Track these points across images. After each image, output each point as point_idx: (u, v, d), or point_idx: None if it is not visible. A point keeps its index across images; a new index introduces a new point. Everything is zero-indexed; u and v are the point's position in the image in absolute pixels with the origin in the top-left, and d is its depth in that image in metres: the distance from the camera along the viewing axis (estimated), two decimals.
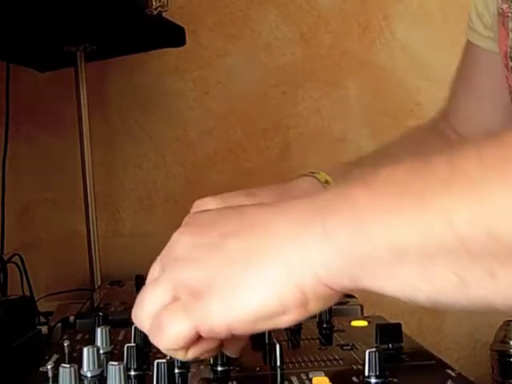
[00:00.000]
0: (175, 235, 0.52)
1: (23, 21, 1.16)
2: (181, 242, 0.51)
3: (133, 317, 0.52)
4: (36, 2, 1.13)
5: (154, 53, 1.59)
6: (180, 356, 0.51)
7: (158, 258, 0.53)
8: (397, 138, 0.89)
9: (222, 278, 0.47)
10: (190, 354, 0.50)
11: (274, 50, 1.71)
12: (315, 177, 0.76)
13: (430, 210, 0.40)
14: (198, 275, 0.48)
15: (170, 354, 0.51)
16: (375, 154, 0.84)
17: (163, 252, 0.53)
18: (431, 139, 0.89)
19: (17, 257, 1.28)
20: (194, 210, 0.66)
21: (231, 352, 0.56)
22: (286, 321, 0.47)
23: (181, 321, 0.48)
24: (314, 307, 0.47)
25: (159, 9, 1.24)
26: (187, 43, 1.44)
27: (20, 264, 1.29)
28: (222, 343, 0.52)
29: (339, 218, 0.44)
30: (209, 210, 0.56)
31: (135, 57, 1.59)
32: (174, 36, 1.41)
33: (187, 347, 0.49)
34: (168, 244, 0.53)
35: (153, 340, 0.50)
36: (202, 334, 0.48)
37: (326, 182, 0.75)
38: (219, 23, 1.70)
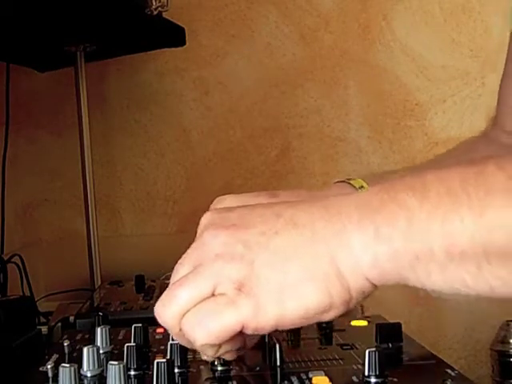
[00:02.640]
0: (211, 231, 0.52)
1: (23, 21, 1.16)
2: (219, 238, 0.51)
3: (159, 313, 0.51)
4: (36, 2, 1.13)
5: (154, 53, 1.59)
6: (211, 353, 0.51)
7: (186, 257, 0.52)
8: (449, 148, 0.87)
9: (272, 274, 0.48)
10: (221, 352, 0.51)
11: (274, 50, 1.71)
12: (350, 183, 0.75)
13: (489, 219, 0.43)
14: (245, 271, 0.48)
15: (201, 349, 0.51)
16: (419, 166, 0.83)
17: (194, 250, 0.52)
18: (478, 145, 0.87)
19: (17, 257, 1.28)
20: (214, 206, 0.66)
21: (231, 356, 0.56)
22: (329, 316, 0.49)
23: (228, 315, 0.48)
24: (355, 302, 0.49)
25: (159, 9, 1.24)
26: (187, 43, 1.44)
27: (20, 264, 1.29)
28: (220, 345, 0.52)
29: (393, 223, 0.46)
30: (237, 207, 0.55)
31: (135, 57, 1.59)
32: (174, 36, 1.41)
33: (220, 344, 0.50)
34: (199, 241, 0.52)
35: (190, 333, 0.49)
36: (247, 331, 0.48)
37: (362, 187, 0.74)
38: (219, 23, 1.70)
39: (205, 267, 0.50)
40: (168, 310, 0.50)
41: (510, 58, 0.88)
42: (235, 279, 0.48)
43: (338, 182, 0.76)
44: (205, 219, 0.54)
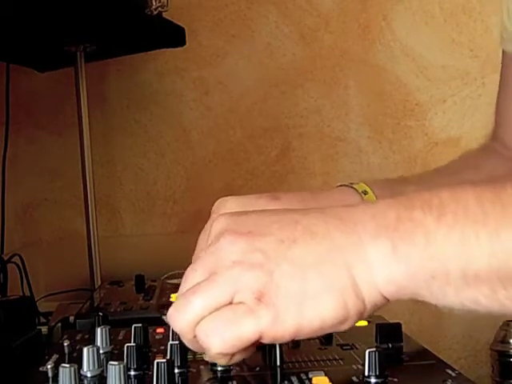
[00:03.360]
0: (228, 238, 0.50)
1: (23, 21, 1.16)
2: (237, 245, 0.50)
3: (173, 319, 0.50)
4: (36, 2, 1.13)
5: (154, 53, 1.59)
6: (224, 361, 0.50)
7: (200, 263, 0.51)
8: (451, 160, 0.86)
9: (292, 284, 0.48)
10: (233, 360, 0.50)
11: (274, 50, 1.71)
12: (353, 187, 0.75)
13: (505, 240, 0.44)
14: (264, 280, 0.48)
15: (215, 358, 0.50)
16: (421, 176, 0.83)
17: (209, 256, 0.51)
18: (483, 160, 0.87)
19: (17, 257, 1.28)
20: (217, 208, 0.66)
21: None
22: (345, 327, 0.49)
23: (246, 324, 0.47)
24: (367, 315, 0.50)
25: (159, 9, 1.24)
26: (187, 43, 1.44)
27: (20, 264, 1.29)
28: None
29: (410, 242, 0.47)
30: (251, 212, 0.54)
31: (135, 57, 1.59)
32: (174, 36, 1.41)
33: (235, 353, 0.49)
34: (215, 247, 0.51)
35: (205, 341, 0.48)
36: (265, 340, 0.48)
37: (364, 192, 0.74)
38: (219, 23, 1.70)
39: (222, 275, 0.49)
40: (182, 317, 0.49)
41: (505, 76, 0.89)
42: (255, 288, 0.48)
43: (340, 185, 0.76)
44: (219, 224, 0.53)
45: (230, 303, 0.48)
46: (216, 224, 0.53)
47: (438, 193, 0.48)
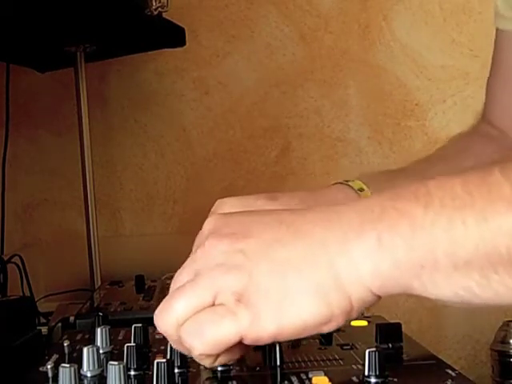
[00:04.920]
0: (211, 241, 0.51)
1: (23, 21, 1.16)
2: (219, 247, 0.50)
3: (157, 320, 0.51)
4: (36, 2, 1.13)
5: (154, 53, 1.59)
6: (208, 362, 0.50)
7: (187, 265, 0.52)
8: (436, 150, 0.86)
9: (271, 284, 0.48)
10: (218, 362, 0.50)
11: (274, 50, 1.71)
12: (348, 184, 0.75)
13: (493, 225, 0.43)
14: (243, 281, 0.48)
15: (199, 359, 0.50)
16: (414, 166, 0.82)
17: (196, 258, 0.52)
18: (472, 143, 0.87)
19: (17, 257, 1.28)
20: (215, 209, 0.66)
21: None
22: (329, 328, 0.48)
23: (227, 325, 0.47)
24: (356, 313, 0.48)
25: (159, 9, 1.24)
26: (187, 43, 1.44)
27: (20, 264, 1.29)
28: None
29: (396, 231, 0.45)
30: (239, 213, 0.55)
31: (135, 57, 1.59)
32: (173, 36, 1.41)
33: (218, 354, 0.49)
34: (201, 249, 0.51)
35: (188, 341, 0.49)
36: (246, 341, 0.48)
37: (360, 189, 0.74)
38: (219, 23, 1.70)
39: (204, 277, 0.49)
40: (166, 318, 0.50)
41: (497, 55, 0.89)
42: (235, 289, 0.48)
43: (336, 183, 0.76)
44: (207, 225, 0.53)
45: (213, 305, 0.48)
46: (205, 225, 0.54)
47: (425, 182, 0.47)
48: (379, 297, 0.48)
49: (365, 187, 0.74)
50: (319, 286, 0.47)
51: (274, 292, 0.47)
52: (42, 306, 1.29)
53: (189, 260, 0.52)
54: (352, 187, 0.74)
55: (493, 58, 0.90)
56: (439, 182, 0.46)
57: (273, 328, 0.47)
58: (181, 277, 0.52)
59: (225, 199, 0.67)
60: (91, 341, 0.69)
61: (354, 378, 0.55)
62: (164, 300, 0.51)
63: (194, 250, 0.64)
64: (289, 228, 0.50)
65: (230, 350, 0.49)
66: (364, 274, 0.46)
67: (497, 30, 0.88)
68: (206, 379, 0.57)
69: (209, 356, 0.49)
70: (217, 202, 0.67)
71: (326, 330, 0.48)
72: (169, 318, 0.50)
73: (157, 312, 0.51)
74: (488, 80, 0.91)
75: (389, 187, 0.75)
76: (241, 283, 0.48)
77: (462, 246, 0.44)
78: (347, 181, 0.75)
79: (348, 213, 0.49)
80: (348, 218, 0.48)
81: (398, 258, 0.45)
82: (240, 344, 0.49)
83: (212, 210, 0.67)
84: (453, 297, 0.46)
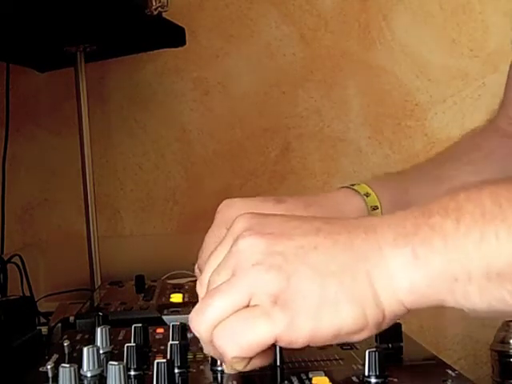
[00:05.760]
0: (247, 239, 0.50)
1: (23, 21, 1.16)
2: (256, 247, 0.49)
3: (192, 322, 0.50)
4: (36, 2, 1.13)
5: (154, 53, 1.59)
6: (240, 367, 0.50)
7: (222, 265, 0.51)
8: (448, 146, 0.86)
9: (310, 289, 0.47)
10: (251, 366, 0.50)
11: (274, 50, 1.71)
12: (354, 189, 0.75)
13: None
14: (281, 284, 0.48)
15: (231, 363, 0.49)
16: (420, 167, 0.82)
17: (230, 257, 0.50)
18: (485, 141, 0.86)
19: (17, 257, 1.28)
20: (223, 209, 0.66)
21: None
22: (361, 337, 0.49)
23: (262, 327, 0.47)
24: (386, 325, 0.49)
25: (159, 9, 1.24)
26: (187, 43, 1.44)
27: (20, 264, 1.29)
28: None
29: (430, 246, 0.46)
30: (274, 215, 0.54)
31: (135, 57, 1.59)
32: (173, 36, 1.41)
33: (251, 358, 0.49)
34: (235, 248, 0.50)
35: (221, 345, 0.48)
36: (281, 344, 0.48)
37: (367, 194, 0.74)
38: (219, 23, 1.70)
39: (240, 277, 0.49)
40: (201, 320, 0.49)
41: None
42: (271, 291, 0.47)
43: (342, 187, 0.76)
44: (239, 223, 0.52)
45: (248, 306, 0.48)
46: (237, 223, 0.52)
47: (455, 196, 0.48)
48: (408, 310, 0.49)
49: (370, 191, 0.74)
50: (357, 295, 0.47)
51: (311, 297, 0.47)
52: (42, 306, 1.29)
53: (224, 260, 0.51)
54: (358, 191, 0.74)
55: None
56: (468, 195, 0.47)
57: (307, 332, 0.47)
58: (217, 277, 0.51)
59: (233, 199, 0.67)
60: (91, 341, 0.69)
61: (354, 378, 0.55)
62: (200, 301, 0.51)
63: (206, 250, 0.64)
64: (326, 236, 0.49)
65: (263, 353, 0.49)
66: (399, 289, 0.47)
67: None
68: (206, 379, 0.57)
69: (242, 359, 0.49)
70: (224, 202, 0.67)
71: (356, 339, 0.49)
72: (204, 319, 0.49)
73: (192, 314, 0.50)
74: (509, 70, 0.89)
75: (396, 192, 0.75)
76: (278, 285, 0.48)
77: (495, 259, 0.45)
78: (353, 185, 0.75)
79: (382, 227, 0.49)
80: (382, 232, 0.49)
81: (432, 272, 0.46)
82: (272, 348, 0.49)
83: (218, 209, 0.67)
84: (486, 308, 0.47)
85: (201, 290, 0.54)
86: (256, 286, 0.48)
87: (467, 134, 0.89)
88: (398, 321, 0.67)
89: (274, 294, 0.47)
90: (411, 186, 0.77)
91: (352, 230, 0.50)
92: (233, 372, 0.54)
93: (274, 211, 0.63)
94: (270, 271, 0.48)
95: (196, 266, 0.71)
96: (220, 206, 0.67)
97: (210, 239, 0.67)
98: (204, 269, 0.55)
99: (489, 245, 0.45)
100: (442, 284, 0.47)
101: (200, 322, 0.49)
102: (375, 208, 0.74)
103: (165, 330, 0.73)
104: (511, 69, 0.88)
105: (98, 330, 0.67)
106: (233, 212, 0.63)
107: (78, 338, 0.73)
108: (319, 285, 0.48)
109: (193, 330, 0.51)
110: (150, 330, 0.71)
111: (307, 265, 0.48)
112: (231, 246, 0.51)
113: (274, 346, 0.49)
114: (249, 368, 0.50)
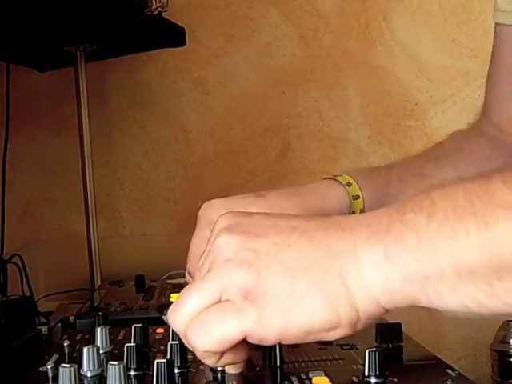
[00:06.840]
0: (223, 237, 0.51)
1: (23, 21, 1.16)
2: (230, 244, 0.50)
3: (168, 316, 0.51)
4: (36, 2, 1.13)
5: (154, 53, 1.59)
6: (212, 361, 0.50)
7: (202, 262, 0.52)
8: (433, 145, 0.87)
9: (280, 286, 0.47)
10: (222, 361, 0.50)
11: (274, 50, 1.71)
12: (336, 179, 0.75)
13: (495, 231, 0.43)
14: (252, 279, 0.48)
15: (203, 357, 0.50)
16: (404, 163, 0.83)
17: (208, 255, 0.51)
18: (468, 142, 0.87)
19: (17, 257, 1.28)
20: (204, 211, 0.67)
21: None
22: (334, 335, 0.48)
23: (232, 322, 0.47)
24: (362, 325, 0.49)
25: (159, 9, 1.24)
26: (187, 43, 1.44)
27: (20, 264, 1.29)
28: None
29: (402, 243, 0.46)
30: (252, 214, 0.55)
31: (135, 57, 1.59)
32: (173, 36, 1.41)
33: (223, 353, 0.49)
34: (213, 246, 0.51)
35: (192, 339, 0.49)
36: (251, 340, 0.48)
37: (348, 183, 0.74)
38: (219, 23, 1.70)
39: (213, 273, 0.50)
40: (177, 314, 0.50)
41: (496, 50, 0.88)
42: (242, 286, 0.48)
43: (325, 178, 0.76)
44: (220, 222, 0.53)
45: (220, 301, 0.49)
46: (218, 222, 0.53)
47: (429, 193, 0.47)
48: (386, 310, 0.49)
49: (352, 181, 0.74)
50: (329, 293, 0.47)
51: (282, 294, 0.47)
52: (42, 306, 1.29)
53: (203, 257, 0.52)
54: (340, 182, 0.75)
55: (492, 53, 0.90)
56: (443, 193, 0.47)
57: (277, 329, 0.47)
58: (199, 275, 0.52)
59: (212, 201, 0.68)
60: (91, 341, 0.69)
61: (354, 378, 0.55)
62: (177, 298, 0.51)
63: (192, 255, 0.65)
64: (301, 233, 0.50)
65: (234, 349, 0.49)
66: (372, 288, 0.47)
67: (496, 25, 0.88)
68: (206, 379, 0.57)
69: (213, 354, 0.49)
70: (204, 205, 0.68)
71: (331, 337, 0.48)
72: (179, 315, 0.50)
73: (170, 310, 0.51)
74: (488, 76, 0.91)
75: (379, 183, 0.76)
76: (249, 280, 0.48)
77: (465, 255, 0.44)
78: (335, 175, 0.76)
79: (359, 225, 0.49)
80: (358, 228, 0.48)
81: (403, 270, 0.46)
82: (245, 345, 0.49)
83: (199, 212, 0.68)
84: (460, 308, 0.47)
85: None
86: (227, 281, 0.48)
87: (451, 135, 0.90)
88: (397, 321, 0.67)
89: (244, 289, 0.48)
90: (394, 180, 0.77)
91: (329, 227, 0.50)
92: (233, 372, 0.54)
93: (255, 206, 0.64)
94: (241, 267, 0.48)
95: (186, 272, 0.72)
96: (201, 209, 0.68)
97: (195, 242, 0.69)
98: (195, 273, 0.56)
99: (459, 241, 0.44)
100: (414, 282, 0.46)
101: (176, 317, 0.50)
102: (357, 197, 0.74)
103: (165, 330, 0.73)
104: (489, 75, 0.89)
105: (98, 329, 0.67)
106: (212, 213, 0.64)
107: (78, 337, 0.73)
108: (290, 281, 0.47)
109: (170, 325, 0.52)
110: (150, 330, 0.71)
111: (279, 261, 0.48)
112: (211, 244, 0.52)
113: (246, 342, 0.50)
114: (220, 363, 0.51)
